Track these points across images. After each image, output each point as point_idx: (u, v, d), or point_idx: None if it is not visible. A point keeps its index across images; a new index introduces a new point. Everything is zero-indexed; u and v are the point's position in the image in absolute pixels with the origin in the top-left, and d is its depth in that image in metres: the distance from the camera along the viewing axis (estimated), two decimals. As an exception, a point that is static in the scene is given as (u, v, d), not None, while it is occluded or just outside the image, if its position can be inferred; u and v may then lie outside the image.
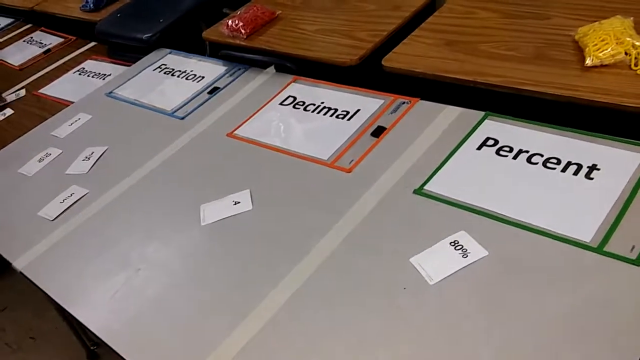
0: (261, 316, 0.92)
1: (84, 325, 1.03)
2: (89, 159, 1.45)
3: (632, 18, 1.20)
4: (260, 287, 0.97)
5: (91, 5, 2.32)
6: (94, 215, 1.27)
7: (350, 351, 0.84)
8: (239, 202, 1.16)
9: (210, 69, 1.69)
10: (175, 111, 1.55)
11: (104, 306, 1.04)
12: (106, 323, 1.01)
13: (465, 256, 0.90)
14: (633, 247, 0.83)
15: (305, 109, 1.38)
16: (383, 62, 1.41)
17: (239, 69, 1.64)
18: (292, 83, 1.49)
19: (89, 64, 2.06)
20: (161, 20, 1.97)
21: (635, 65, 1.12)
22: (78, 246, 1.20)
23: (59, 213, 1.29)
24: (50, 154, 1.53)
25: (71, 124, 1.64)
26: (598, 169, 0.97)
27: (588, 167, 0.99)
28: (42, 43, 2.35)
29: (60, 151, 1.53)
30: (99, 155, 1.46)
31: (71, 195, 1.33)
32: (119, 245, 1.17)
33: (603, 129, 1.05)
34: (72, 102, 1.79)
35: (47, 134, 1.63)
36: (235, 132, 1.38)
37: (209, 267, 1.06)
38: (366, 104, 1.32)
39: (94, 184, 1.36)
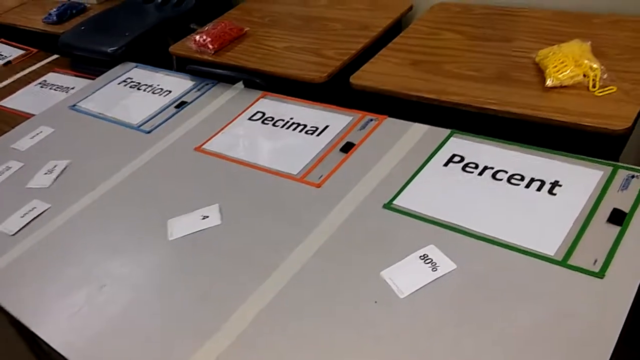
0: (229, 332, 0.91)
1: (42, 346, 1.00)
2: (51, 172, 1.41)
3: (589, 42, 1.26)
4: (229, 302, 0.96)
5: (54, 17, 2.28)
6: (56, 230, 1.23)
7: (321, 365, 0.83)
8: (207, 217, 1.14)
9: (178, 84, 1.68)
10: (141, 125, 1.52)
11: (67, 323, 1.00)
12: (69, 340, 0.97)
13: (434, 270, 0.91)
14: (595, 261, 0.86)
15: (274, 125, 1.38)
16: (351, 80, 1.43)
17: (207, 84, 1.63)
18: (261, 99, 1.50)
19: (51, 77, 2.01)
20: (127, 34, 1.95)
21: (593, 86, 1.17)
22: (39, 262, 1.16)
23: (20, 228, 1.25)
24: (10, 167, 1.48)
25: (32, 137, 1.59)
26: (560, 185, 1.01)
27: (551, 183, 1.02)
28: (1, 55, 2.29)
29: (21, 164, 1.48)
30: (61, 169, 1.42)
31: (32, 209, 1.29)
32: (82, 261, 1.13)
33: (564, 147, 1.09)
34: (34, 115, 1.74)
35: (6, 146, 1.59)
36: (204, 146, 1.37)
37: (176, 283, 1.04)
38: (335, 121, 1.33)
39: (56, 198, 1.32)
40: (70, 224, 1.24)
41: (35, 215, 1.28)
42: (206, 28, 1.80)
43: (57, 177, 1.40)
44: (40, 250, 1.19)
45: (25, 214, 1.28)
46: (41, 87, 1.96)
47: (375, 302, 0.89)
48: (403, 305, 0.87)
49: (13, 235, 1.24)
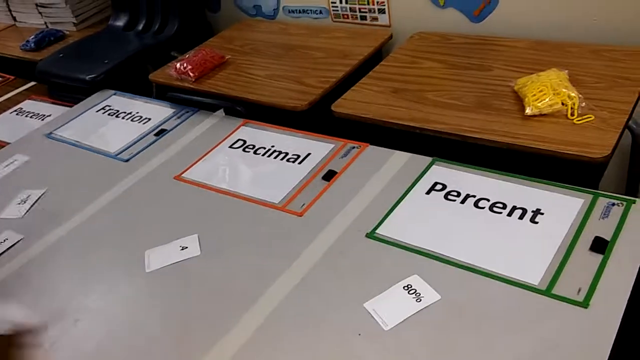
0: (209, 368, 0.88)
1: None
2: (24, 202, 1.37)
3: (566, 71, 1.28)
4: (208, 336, 0.93)
5: (32, 44, 2.26)
6: (28, 262, 1.19)
7: (304, 402, 0.81)
8: (186, 247, 1.12)
9: (157, 111, 1.66)
10: (119, 153, 1.50)
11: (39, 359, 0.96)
12: (39, 379, 0.93)
13: (418, 300, 0.89)
14: (579, 290, 0.85)
15: (255, 152, 1.37)
16: (333, 108, 1.43)
17: (187, 112, 1.62)
18: (242, 126, 1.49)
19: (28, 104, 1.98)
20: (106, 62, 1.93)
21: (572, 114, 1.18)
22: (10, 296, 1.12)
23: (-7, 257, 1.21)
24: (-19, 197, 1.44)
25: (6, 166, 1.55)
26: (542, 213, 1.01)
27: (532, 211, 1.02)
28: (-23, 81, 2.26)
29: (-7, 194, 1.45)
30: (35, 199, 1.38)
31: (4, 241, 1.25)
32: (56, 295, 1.10)
33: (543, 175, 1.09)
34: (8, 143, 1.71)
35: (-21, 175, 1.55)
36: (183, 174, 1.35)
37: (153, 317, 1.00)
38: (317, 148, 1.32)
39: (30, 229, 1.28)
40: (44, 256, 1.20)
41: (6, 247, 1.24)
42: (187, 56, 1.80)
43: (30, 207, 1.36)
44: (11, 284, 1.14)
45: (-3, 245, 1.24)
46: (17, 114, 1.93)
47: (359, 334, 0.87)
48: (387, 337, 0.86)
49: (-15, 266, 1.19)
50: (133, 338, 0.97)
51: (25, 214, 1.34)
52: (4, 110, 1.97)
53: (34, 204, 1.37)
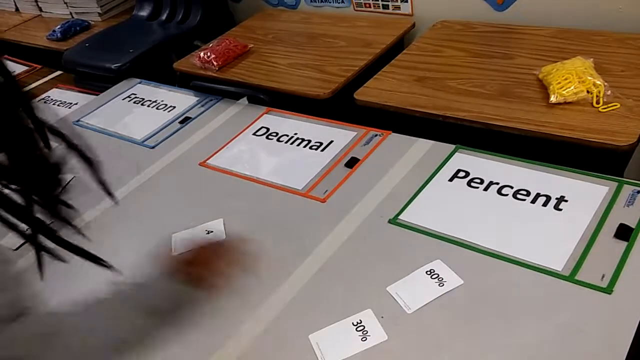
0: (235, 346, 0.90)
1: None
2: (54, 187, 1.41)
3: (592, 59, 1.27)
4: (234, 317, 0.95)
5: (58, 34, 2.30)
6: (54, 247, 1.22)
7: (328, 381, 0.82)
8: (211, 231, 1.14)
9: (182, 99, 1.68)
10: (145, 140, 1.53)
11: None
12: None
13: (441, 285, 0.90)
14: (603, 276, 0.86)
15: (278, 140, 1.38)
16: (355, 96, 1.44)
17: (211, 100, 1.64)
18: (265, 114, 1.50)
19: (55, 93, 2.02)
20: (131, 51, 1.96)
21: (597, 102, 1.18)
22: (37, 279, 1.15)
23: (19, 245, 1.24)
24: (12, 182, 1.47)
25: (36, 152, 1.59)
26: (566, 201, 1.01)
27: (556, 198, 1.02)
28: (5, 71, 2.30)
29: (24, 179, 1.48)
30: (64, 185, 1.41)
31: (34, 224, 1.29)
32: (84, 276, 1.12)
33: (567, 162, 1.09)
34: (37, 130, 1.74)
35: (9, 162, 1.58)
36: (208, 161, 1.37)
37: (180, 298, 1.03)
38: (339, 136, 1.33)
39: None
40: (72, 241, 1.23)
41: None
42: (210, 45, 1.82)
43: (59, 193, 1.39)
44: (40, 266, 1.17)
45: (26, 229, 1.27)
46: (44, 102, 1.97)
47: (382, 317, 0.88)
48: (410, 320, 0.87)
49: (15, 250, 1.23)
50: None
51: (54, 198, 1.37)
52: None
53: (62, 190, 1.40)
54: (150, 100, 1.73)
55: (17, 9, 2.80)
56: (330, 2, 2.00)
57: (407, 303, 0.89)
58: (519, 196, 1.05)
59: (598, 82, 1.19)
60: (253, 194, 1.23)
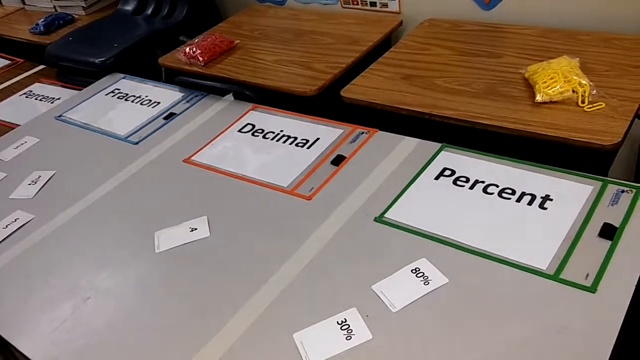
0: (218, 346, 0.89)
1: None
2: (35, 183, 1.38)
3: (578, 59, 1.27)
4: (218, 315, 0.94)
5: (41, 27, 2.26)
6: (40, 241, 1.20)
7: (312, 381, 0.82)
8: (195, 229, 1.13)
9: (166, 95, 1.66)
10: (129, 136, 1.51)
11: (49, 337, 0.98)
12: (51, 355, 0.94)
13: (426, 283, 0.90)
14: (587, 275, 0.86)
15: (264, 137, 1.37)
16: (342, 93, 1.43)
17: (196, 96, 1.62)
18: (251, 111, 1.49)
19: (37, 87, 1.99)
20: (115, 45, 1.94)
21: (582, 102, 1.18)
22: (22, 274, 1.13)
23: (2, 239, 1.22)
24: (-8, 178, 1.45)
25: (17, 147, 1.57)
26: (551, 199, 1.01)
27: (541, 197, 1.02)
28: (-14, 64, 2.26)
29: (5, 175, 1.46)
30: (46, 180, 1.39)
31: (15, 220, 1.27)
32: (67, 273, 1.11)
33: (552, 161, 1.09)
34: (18, 125, 1.72)
35: (-11, 157, 1.56)
36: (192, 157, 1.36)
37: (164, 295, 1.02)
38: (325, 133, 1.33)
39: (40, 209, 1.29)
40: (55, 235, 1.21)
41: (18, 227, 1.25)
42: (196, 40, 1.80)
43: (41, 188, 1.37)
44: (22, 262, 1.16)
45: (7, 225, 1.25)
46: (26, 97, 1.94)
47: (367, 315, 0.88)
48: (395, 319, 0.86)
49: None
50: (143, 315, 0.98)
51: (36, 194, 1.35)
52: (14, 93, 1.98)
53: (44, 184, 1.38)
54: (134, 96, 1.70)
55: (-1, 2, 2.76)
56: (317, -1, 1.99)
57: (392, 302, 0.88)
58: (504, 195, 1.05)
59: (583, 82, 1.20)
60: (238, 191, 1.22)
